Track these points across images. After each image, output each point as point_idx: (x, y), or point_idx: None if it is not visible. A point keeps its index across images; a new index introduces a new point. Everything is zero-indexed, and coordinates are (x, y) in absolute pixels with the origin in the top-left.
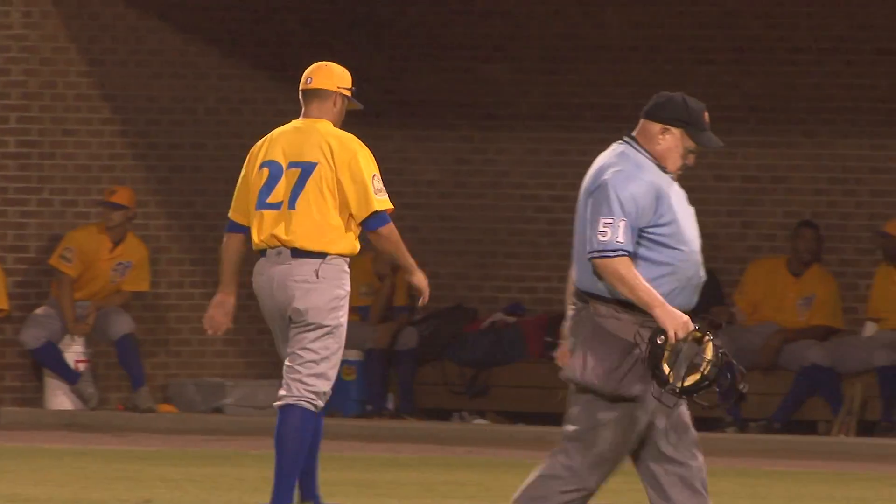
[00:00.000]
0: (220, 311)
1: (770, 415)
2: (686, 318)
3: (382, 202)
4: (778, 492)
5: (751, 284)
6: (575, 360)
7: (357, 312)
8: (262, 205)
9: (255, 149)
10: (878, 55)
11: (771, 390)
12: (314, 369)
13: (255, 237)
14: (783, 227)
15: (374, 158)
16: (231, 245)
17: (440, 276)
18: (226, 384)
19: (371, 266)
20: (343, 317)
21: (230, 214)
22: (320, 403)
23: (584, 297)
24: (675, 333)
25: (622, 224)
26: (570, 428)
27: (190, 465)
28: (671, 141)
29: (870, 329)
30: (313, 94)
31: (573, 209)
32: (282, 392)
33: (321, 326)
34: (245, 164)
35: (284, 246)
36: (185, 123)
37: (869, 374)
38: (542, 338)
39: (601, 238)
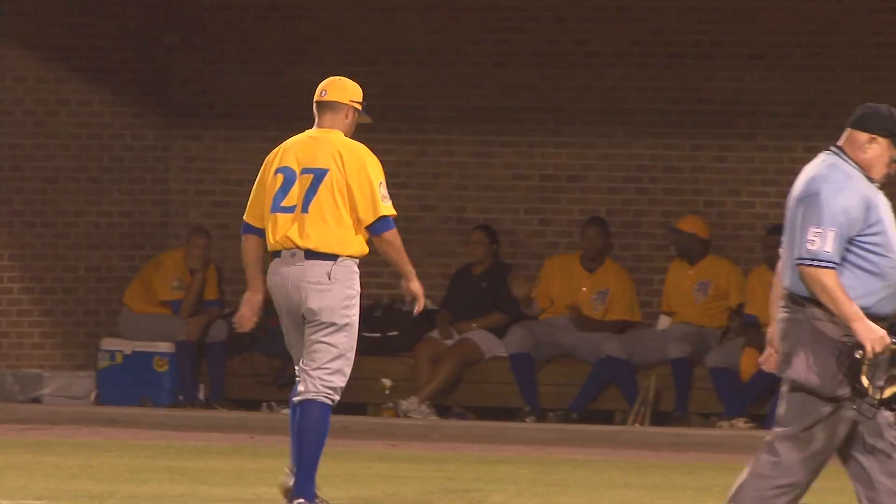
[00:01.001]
0: (249, 308)
1: (568, 405)
2: (883, 332)
3: (388, 208)
4: (575, 479)
5: (547, 279)
6: (798, 363)
7: (168, 306)
8: (276, 208)
9: (270, 156)
10: (669, 58)
11: (569, 381)
12: (330, 366)
13: (270, 239)
14: (579, 224)
15: (381, 166)
16: (249, 246)
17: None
18: (43, 375)
19: (183, 261)
20: (355, 315)
21: (245, 217)
22: (336, 398)
23: (800, 300)
24: (873, 348)
25: (831, 234)
26: (784, 428)
27: (9, 454)
28: (877, 150)
29: (663, 322)
30: (327, 107)
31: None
32: (300, 388)
33: (334, 325)
34: (261, 170)
35: (298, 248)
36: (3, 124)
37: (663, 366)
38: None
39: (809, 247)
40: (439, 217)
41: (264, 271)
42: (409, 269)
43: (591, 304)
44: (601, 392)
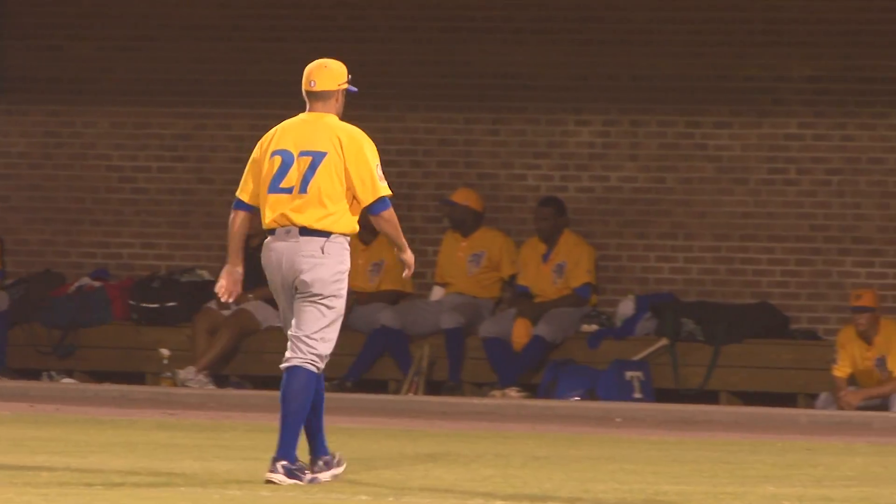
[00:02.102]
0: (230, 280)
1: (343, 374)
2: None
3: (385, 188)
4: (351, 448)
5: None
6: None
7: None
8: (274, 189)
9: (265, 139)
10: (442, 33)
11: (344, 351)
12: (317, 334)
13: (266, 217)
14: None
15: (376, 148)
16: (238, 221)
17: (30, 243)
18: None
19: None
20: (344, 289)
21: (238, 194)
22: (321, 365)
23: None
24: None
25: None
26: None
27: None
28: None
29: (437, 293)
30: (317, 97)
31: (155, 179)
32: (288, 354)
33: (324, 296)
34: (255, 149)
35: (294, 225)
36: None
37: (436, 336)
38: (127, 301)
39: None
40: (216, 189)
41: (245, 248)
42: (404, 243)
43: (366, 275)
44: (375, 361)
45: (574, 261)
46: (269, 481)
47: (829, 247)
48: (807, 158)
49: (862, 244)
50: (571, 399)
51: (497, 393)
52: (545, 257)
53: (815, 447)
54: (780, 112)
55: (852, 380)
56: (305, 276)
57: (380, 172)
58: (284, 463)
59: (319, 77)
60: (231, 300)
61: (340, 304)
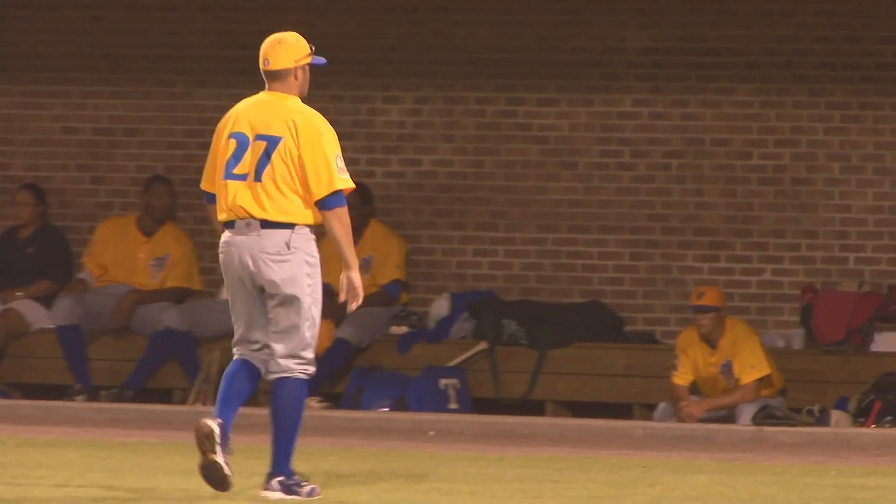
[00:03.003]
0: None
1: (122, 382)
2: None
3: (345, 181)
4: (131, 465)
5: (100, 244)
6: None
7: None
8: (229, 175)
9: (222, 122)
10: (235, 1)
11: (123, 356)
12: (300, 341)
13: (222, 207)
14: (136, 183)
15: (336, 137)
16: (214, 214)
17: None
18: None
19: None
20: (317, 283)
21: (203, 186)
22: (312, 369)
23: None
24: None
25: None
26: None
27: None
28: None
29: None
30: (273, 76)
31: None
32: (273, 367)
33: (297, 297)
34: (214, 136)
35: (253, 217)
36: None
37: (227, 339)
38: None
39: None
40: None
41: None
42: (352, 256)
43: (148, 271)
44: (159, 368)
45: (382, 255)
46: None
47: (668, 239)
48: (643, 139)
49: (705, 236)
50: (379, 410)
51: None
52: None
53: (653, 464)
54: (612, 88)
55: (694, 388)
56: (274, 276)
57: (340, 163)
58: (281, 479)
59: (274, 55)
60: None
61: (316, 299)
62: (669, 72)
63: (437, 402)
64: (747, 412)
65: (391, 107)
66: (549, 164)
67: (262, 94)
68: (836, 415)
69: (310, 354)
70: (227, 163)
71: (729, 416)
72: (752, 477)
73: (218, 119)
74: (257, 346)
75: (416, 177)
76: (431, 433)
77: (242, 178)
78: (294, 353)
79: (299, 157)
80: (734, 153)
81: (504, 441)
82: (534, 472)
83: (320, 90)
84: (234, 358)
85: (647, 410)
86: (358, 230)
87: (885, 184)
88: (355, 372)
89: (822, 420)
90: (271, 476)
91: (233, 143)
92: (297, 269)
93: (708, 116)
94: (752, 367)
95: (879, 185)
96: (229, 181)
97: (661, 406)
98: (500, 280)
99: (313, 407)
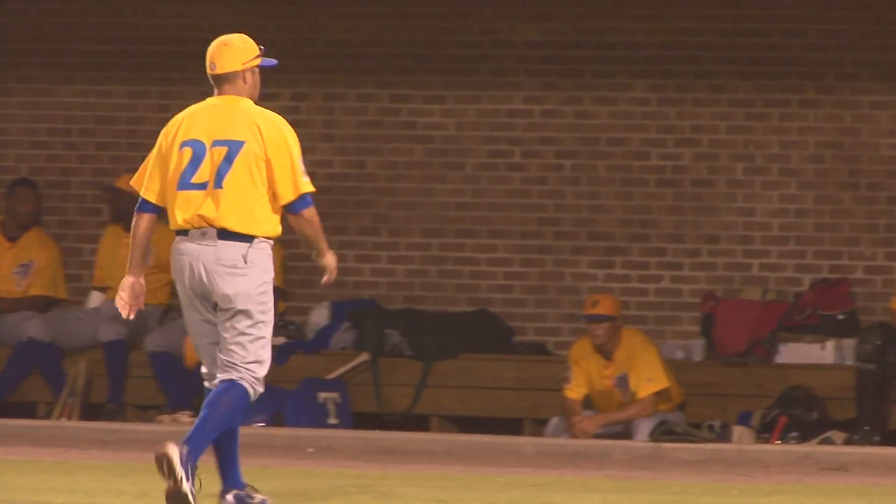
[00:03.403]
0: (131, 294)
1: None
2: None
3: (307, 184)
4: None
5: None
6: None
7: None
8: (185, 185)
9: (169, 127)
10: None
11: None
12: (252, 356)
13: (177, 217)
14: None
15: (297, 138)
16: (142, 225)
17: None
18: None
19: None
20: (271, 300)
21: (143, 194)
22: (260, 389)
23: None
24: None
25: None
26: None
27: None
28: None
29: (95, 299)
30: (221, 79)
31: None
32: (220, 375)
33: (251, 312)
34: (158, 142)
35: (211, 226)
36: None
37: (94, 350)
38: None
39: None
40: None
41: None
42: (325, 245)
43: (11, 278)
44: (22, 381)
45: None
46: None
47: (560, 244)
48: (534, 139)
49: (600, 241)
50: (254, 425)
51: (166, 418)
52: None
53: (544, 482)
54: (502, 84)
55: (588, 402)
56: (228, 290)
57: (302, 166)
58: (187, 451)
59: (220, 58)
60: (131, 316)
61: (269, 317)
62: (562, 67)
63: (315, 417)
64: (644, 427)
65: (267, 104)
66: (435, 165)
67: (212, 99)
68: (738, 430)
69: (262, 373)
70: (184, 173)
71: (625, 432)
72: (649, 496)
73: (84, 117)
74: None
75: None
76: (310, 450)
77: (201, 186)
78: (248, 368)
79: (266, 160)
80: (631, 153)
81: (387, 458)
82: (418, 491)
83: (191, 86)
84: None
85: (539, 426)
86: None
87: (791, 185)
88: None
89: (724, 436)
90: (184, 444)
91: (188, 151)
92: (252, 284)
93: (603, 114)
94: (649, 379)
95: (785, 187)
96: (186, 191)
97: (554, 421)
98: (383, 287)
99: (185, 422)
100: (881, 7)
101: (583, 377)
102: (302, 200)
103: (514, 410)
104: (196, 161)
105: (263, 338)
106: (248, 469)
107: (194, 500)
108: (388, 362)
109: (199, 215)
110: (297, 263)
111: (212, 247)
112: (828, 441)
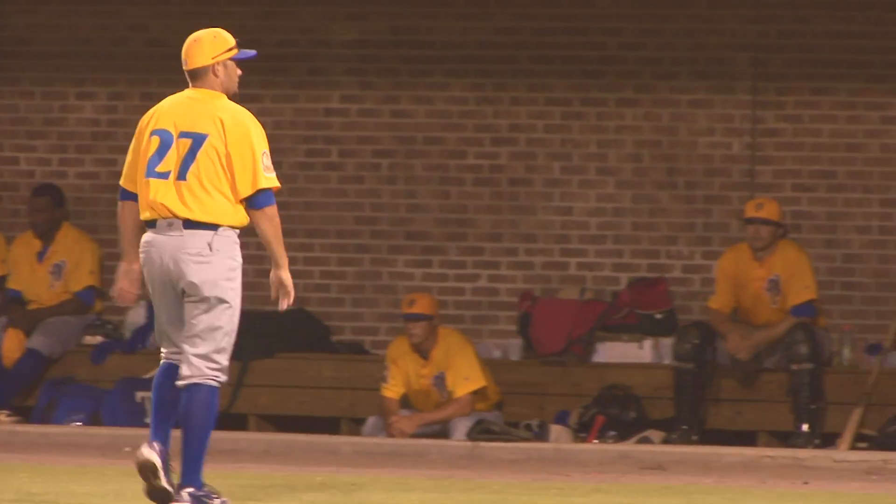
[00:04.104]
0: (126, 281)
1: None
2: None
3: (271, 180)
4: None
5: None
6: None
7: None
8: (151, 173)
9: (145, 118)
10: None
11: None
12: (215, 345)
13: (143, 206)
14: None
15: (265, 134)
16: (127, 213)
17: None
18: None
19: None
20: (238, 288)
21: (122, 183)
22: (224, 378)
23: None
24: None
25: None
26: None
27: None
28: None
29: None
30: (193, 75)
31: None
32: (185, 371)
33: (217, 300)
34: (136, 132)
35: (176, 217)
36: None
37: None
38: None
39: None
40: None
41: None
42: (282, 254)
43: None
44: None
45: (75, 260)
46: None
47: (378, 243)
48: (352, 138)
49: (417, 240)
50: (72, 424)
51: None
52: (41, 256)
53: (362, 481)
54: (319, 83)
55: (406, 401)
56: (193, 278)
57: (267, 161)
58: (191, 490)
59: (190, 53)
60: (130, 303)
61: (235, 305)
62: (379, 66)
63: (133, 417)
64: (462, 427)
65: (85, 103)
66: None
67: (187, 92)
68: (556, 429)
69: (224, 361)
70: (150, 160)
71: (442, 431)
72: (467, 495)
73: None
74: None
75: (110, 177)
76: (127, 449)
77: (164, 175)
78: (207, 355)
79: (227, 154)
80: (448, 152)
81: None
82: (235, 490)
83: (8, 85)
84: (162, 362)
85: (356, 425)
86: (49, 234)
87: (609, 185)
88: (47, 384)
89: (542, 435)
90: (181, 487)
91: (155, 140)
92: (217, 271)
93: (420, 113)
94: (466, 378)
95: (602, 186)
96: (151, 179)
97: (371, 420)
98: None
99: (2, 421)
100: (699, 6)
101: (400, 376)
102: (262, 196)
103: (332, 409)
104: (163, 150)
105: (225, 325)
106: (65, 468)
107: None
108: None
109: (163, 205)
110: (114, 263)
111: (178, 237)
112: (645, 440)
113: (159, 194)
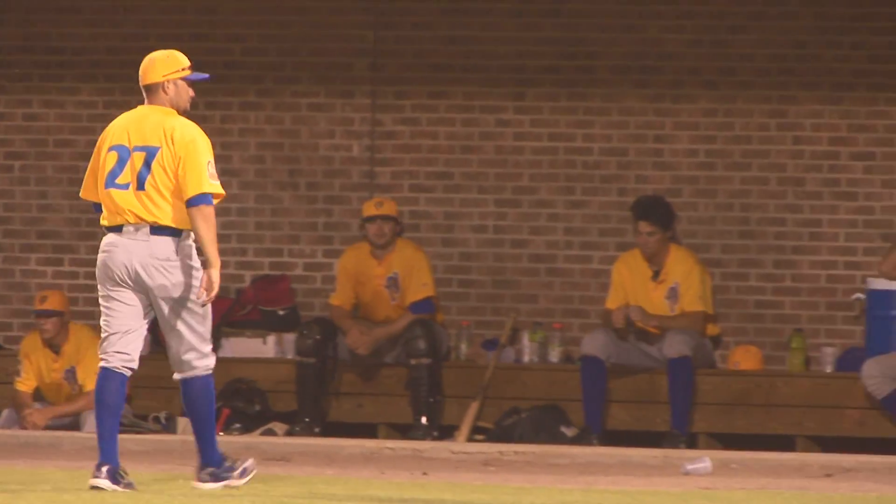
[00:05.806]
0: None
1: None
2: None
3: (215, 186)
4: None
5: None
6: None
7: None
8: (111, 184)
9: (103, 134)
10: None
11: None
12: (197, 336)
13: (108, 212)
14: None
15: (210, 146)
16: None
17: None
18: None
19: None
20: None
21: (83, 195)
22: (212, 362)
23: None
24: None
25: None
26: None
27: None
28: None
29: None
30: (146, 90)
31: None
32: (179, 368)
33: (187, 298)
34: (95, 148)
35: (143, 222)
36: None
37: None
38: None
39: None
40: None
41: None
42: (215, 255)
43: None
44: None
45: None
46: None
47: (11, 242)
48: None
49: (48, 239)
50: None
51: None
52: None
53: None
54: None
55: (39, 395)
56: (164, 282)
57: (211, 170)
58: (210, 469)
59: (144, 71)
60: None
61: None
62: (13, 71)
63: None
64: (92, 419)
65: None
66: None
67: (140, 108)
68: (183, 422)
69: (207, 347)
70: (110, 173)
71: (74, 423)
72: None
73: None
74: (128, 357)
75: None
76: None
77: (125, 186)
78: (193, 347)
79: (176, 164)
80: (77, 154)
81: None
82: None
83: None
84: (102, 366)
85: None
86: None
87: (233, 185)
88: None
89: (169, 427)
90: (201, 468)
91: (113, 155)
92: (185, 273)
93: (51, 117)
94: (95, 373)
95: (227, 187)
96: (112, 189)
97: (6, 413)
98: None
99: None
100: (319, 12)
101: (32, 370)
102: (202, 196)
103: None
104: (121, 164)
105: (204, 318)
106: None
107: (243, 475)
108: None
109: (130, 211)
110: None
111: (144, 242)
112: (270, 432)
113: (125, 202)
